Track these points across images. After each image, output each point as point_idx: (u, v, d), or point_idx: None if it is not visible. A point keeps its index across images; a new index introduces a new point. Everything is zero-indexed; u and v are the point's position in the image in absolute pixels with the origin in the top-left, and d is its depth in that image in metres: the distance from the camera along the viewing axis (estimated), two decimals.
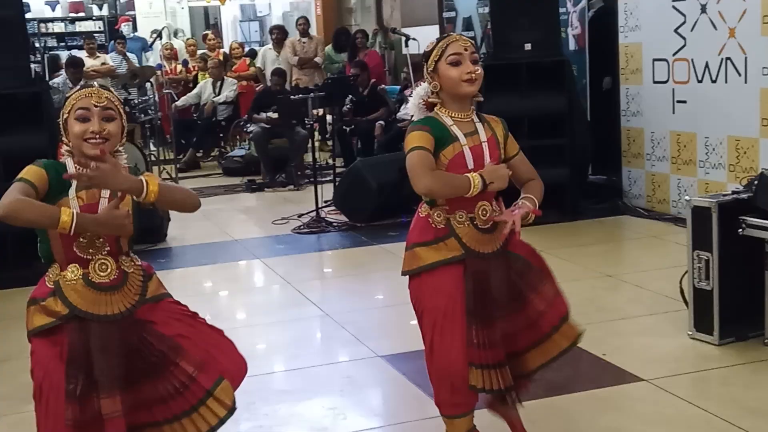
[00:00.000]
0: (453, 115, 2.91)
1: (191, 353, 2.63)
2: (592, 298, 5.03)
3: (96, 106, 2.56)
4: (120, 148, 2.63)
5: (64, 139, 2.62)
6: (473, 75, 2.86)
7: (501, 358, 2.90)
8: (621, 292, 5.26)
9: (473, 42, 2.94)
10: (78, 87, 2.65)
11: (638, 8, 7.14)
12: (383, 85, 10.80)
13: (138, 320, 2.61)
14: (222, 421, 2.68)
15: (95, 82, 11.06)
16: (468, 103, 2.94)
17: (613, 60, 7.47)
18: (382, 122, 9.70)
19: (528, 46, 7.05)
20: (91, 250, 2.56)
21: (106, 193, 2.57)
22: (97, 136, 2.54)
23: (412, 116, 3.02)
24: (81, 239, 2.54)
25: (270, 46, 12.04)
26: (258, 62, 12.10)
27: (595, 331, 4.42)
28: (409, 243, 2.98)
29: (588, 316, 4.58)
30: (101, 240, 2.56)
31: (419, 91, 2.99)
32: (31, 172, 2.52)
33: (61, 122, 2.61)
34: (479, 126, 2.94)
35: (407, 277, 3.00)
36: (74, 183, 2.54)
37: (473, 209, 2.89)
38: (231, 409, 2.70)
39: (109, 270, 2.58)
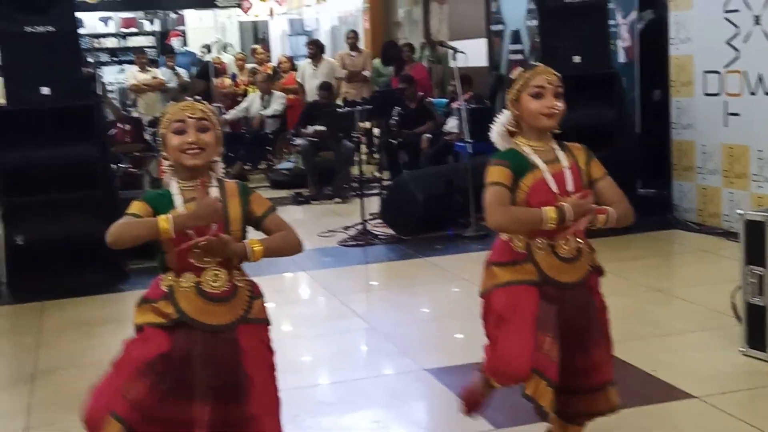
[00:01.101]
0: (532, 144, 2.90)
1: (249, 402, 2.64)
2: (642, 312, 4.96)
3: (191, 118, 2.62)
4: (217, 158, 2.70)
5: (164, 154, 2.69)
6: (554, 110, 2.85)
7: (570, 386, 2.86)
8: (671, 307, 5.17)
9: (559, 77, 2.91)
10: (171, 101, 2.72)
11: (689, 20, 7.05)
12: (430, 99, 10.79)
13: (236, 340, 2.64)
14: None
15: (140, 106, 11.24)
16: (548, 133, 2.92)
17: (664, 72, 7.38)
18: (428, 135, 9.70)
19: (577, 59, 7.00)
20: (205, 259, 2.62)
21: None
22: (194, 146, 2.61)
23: (494, 144, 2.99)
24: (196, 248, 2.59)
25: (308, 61, 12.11)
26: (297, 77, 12.16)
27: (644, 346, 4.36)
28: (488, 262, 2.97)
29: (637, 331, 4.52)
30: None
31: (501, 119, 2.98)
32: (135, 207, 2.63)
33: (160, 138, 2.69)
34: (560, 154, 2.91)
35: (479, 295, 2.97)
36: (180, 198, 2.63)
37: (554, 237, 2.85)
38: None
39: (221, 281, 2.64)
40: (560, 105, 2.87)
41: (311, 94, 11.58)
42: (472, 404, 3.19)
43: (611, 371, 2.96)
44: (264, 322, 2.75)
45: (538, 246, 2.86)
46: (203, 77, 12.52)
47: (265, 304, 2.77)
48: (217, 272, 2.64)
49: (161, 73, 12.49)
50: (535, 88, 2.86)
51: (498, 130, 2.98)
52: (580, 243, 2.89)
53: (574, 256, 2.88)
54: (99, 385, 2.66)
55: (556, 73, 2.92)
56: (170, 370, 2.58)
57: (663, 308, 5.16)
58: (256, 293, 2.74)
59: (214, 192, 2.66)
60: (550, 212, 2.77)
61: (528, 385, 2.82)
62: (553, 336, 2.82)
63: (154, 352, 2.59)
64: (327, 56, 12.43)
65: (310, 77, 11.74)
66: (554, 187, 2.84)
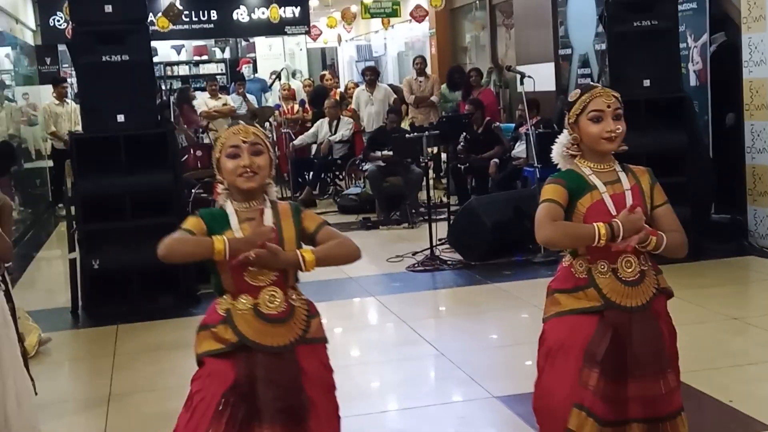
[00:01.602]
0: (592, 165, 2.87)
1: (314, 422, 2.65)
2: (718, 341, 4.85)
3: (245, 142, 2.67)
4: (270, 180, 2.74)
5: (218, 178, 2.74)
6: (613, 134, 2.81)
7: (627, 416, 2.77)
8: (748, 336, 5.05)
9: (618, 97, 2.86)
10: (226, 126, 2.77)
11: (763, 42, 6.92)
12: (498, 123, 10.77)
13: (296, 360, 2.66)
14: None
15: (211, 133, 11.45)
16: (610, 155, 2.89)
17: (737, 96, 7.26)
18: (496, 160, 9.67)
19: (647, 83, 6.93)
20: (260, 277, 2.65)
21: (269, 221, 2.67)
22: (249, 170, 2.64)
23: (557, 165, 2.97)
24: (251, 268, 2.62)
25: (363, 87, 12.20)
26: (353, 104, 12.27)
27: (721, 376, 4.27)
28: (550, 289, 2.94)
29: (714, 360, 4.42)
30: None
31: (562, 140, 2.94)
32: (190, 222, 2.67)
33: (214, 163, 2.74)
34: (622, 175, 2.87)
35: (542, 321, 2.94)
36: (235, 218, 2.67)
37: (615, 261, 2.81)
38: None
39: (278, 302, 2.66)
40: (620, 128, 2.83)
41: (366, 121, 11.69)
42: None
43: (680, 399, 2.87)
44: (322, 341, 2.77)
45: (599, 270, 2.82)
46: (320, 98, 12.55)
47: (322, 323, 2.78)
48: (273, 292, 2.65)
49: (231, 100, 12.70)
50: (594, 113, 2.82)
51: (558, 150, 2.95)
52: (644, 265, 2.84)
53: (637, 279, 2.82)
54: (179, 429, 2.66)
55: (615, 94, 2.86)
56: (240, 399, 2.59)
57: (739, 337, 5.04)
58: (312, 312, 2.76)
59: (269, 214, 2.68)
60: (600, 228, 2.73)
61: (570, 420, 2.77)
62: (602, 370, 2.76)
63: (223, 387, 2.60)
64: (383, 83, 12.52)
65: (365, 104, 11.86)
66: (613, 210, 2.79)
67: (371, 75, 12.16)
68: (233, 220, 2.66)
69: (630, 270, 2.82)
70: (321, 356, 2.75)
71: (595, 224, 2.75)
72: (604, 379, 2.76)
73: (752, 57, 7.05)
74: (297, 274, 2.74)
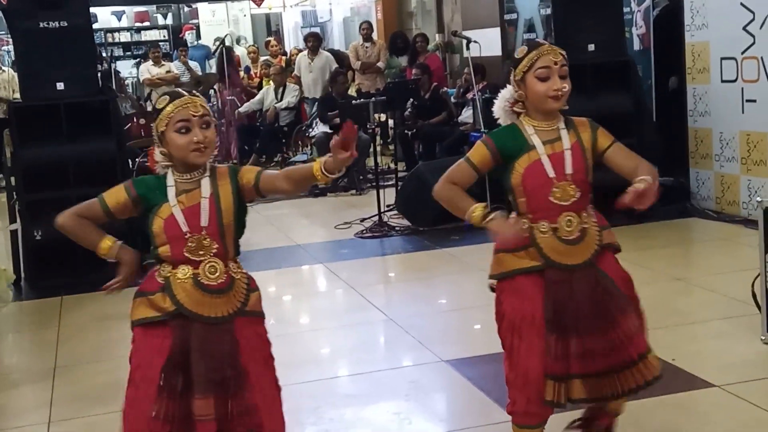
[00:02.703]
0: (536, 124, 2.88)
1: (249, 393, 2.64)
2: (662, 301, 4.93)
3: (194, 116, 2.61)
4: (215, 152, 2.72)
5: (160, 148, 2.66)
6: (560, 93, 2.82)
7: (571, 371, 2.82)
8: (691, 296, 5.15)
9: (564, 55, 2.86)
10: (169, 97, 2.67)
11: (705, 6, 7.00)
12: (445, 89, 10.76)
13: (233, 332, 2.64)
14: None
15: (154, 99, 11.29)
16: (555, 113, 2.90)
17: (679, 59, 7.34)
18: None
19: (592, 47, 6.97)
20: (201, 252, 2.62)
21: (206, 192, 2.64)
22: (202, 145, 2.60)
23: (497, 119, 2.99)
24: (189, 243, 2.60)
25: (306, 53, 12.10)
26: (295, 70, 12.16)
27: (665, 335, 4.34)
28: (495, 248, 2.96)
29: (658, 320, 4.49)
30: (208, 239, 2.62)
31: (504, 94, 2.95)
32: (113, 196, 2.68)
33: (156, 135, 2.66)
34: (563, 133, 2.88)
35: (488, 278, 2.97)
36: (173, 190, 2.63)
37: (556, 219, 2.84)
38: None
39: (218, 273, 2.63)
40: (566, 86, 2.84)
41: (306, 88, 11.62)
42: None
43: (644, 341, 2.90)
44: (260, 316, 2.75)
45: (540, 229, 2.85)
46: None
47: (260, 298, 2.76)
48: (214, 263, 2.63)
49: (175, 67, 12.52)
50: (542, 69, 2.82)
51: (501, 105, 2.96)
52: (586, 223, 2.87)
53: (578, 237, 2.85)
54: (126, 409, 2.65)
55: (562, 52, 2.87)
56: (176, 370, 2.58)
57: (683, 297, 5.14)
58: (252, 286, 2.74)
59: (206, 184, 2.64)
60: (476, 210, 2.80)
61: (546, 393, 2.82)
62: (559, 333, 2.80)
63: (161, 360, 2.58)
64: (325, 50, 12.47)
65: (305, 70, 11.76)
66: (550, 171, 2.82)
67: (314, 41, 12.05)
68: (171, 192, 2.62)
69: (570, 229, 2.85)
70: (258, 329, 2.73)
71: (474, 206, 2.82)
72: (558, 340, 2.80)
73: (694, 21, 7.12)
74: (238, 247, 2.71)
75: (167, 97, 2.67)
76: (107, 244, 2.70)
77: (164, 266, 2.66)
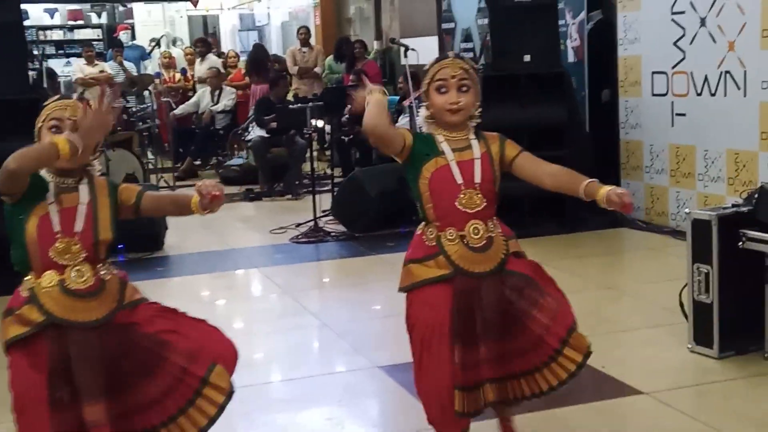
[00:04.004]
0: (446, 134, 2.92)
1: (179, 346, 2.61)
2: (592, 309, 5.01)
3: (70, 119, 2.58)
4: (95, 162, 2.68)
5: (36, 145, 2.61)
6: (455, 106, 2.85)
7: (485, 377, 2.84)
8: (621, 304, 5.25)
9: (469, 67, 2.89)
10: (56, 97, 2.69)
11: (637, 21, 7.15)
12: None
13: (118, 325, 2.59)
14: (221, 408, 2.66)
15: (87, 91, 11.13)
16: (463, 126, 2.92)
17: (612, 72, 7.48)
18: (349, 106, 9.58)
19: (527, 58, 7.05)
20: (67, 256, 2.55)
21: (84, 198, 2.59)
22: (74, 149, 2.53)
23: (420, 128, 3.02)
24: (57, 244, 2.54)
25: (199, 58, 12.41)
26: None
27: (594, 342, 4.37)
28: (405, 259, 2.99)
29: (588, 327, 4.53)
30: (78, 245, 2.56)
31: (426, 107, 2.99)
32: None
33: (35, 131, 2.64)
34: (474, 143, 2.92)
35: (398, 291, 3.01)
36: (51, 188, 2.58)
37: (463, 227, 2.87)
38: (229, 393, 2.69)
39: (85, 277, 2.57)
40: (464, 100, 2.86)
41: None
42: None
43: (569, 318, 2.91)
44: (142, 301, 2.70)
45: (448, 237, 2.88)
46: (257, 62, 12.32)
47: (135, 287, 2.71)
48: (79, 268, 2.56)
49: (109, 67, 12.33)
50: (438, 82, 2.87)
51: (423, 116, 3.00)
52: (492, 231, 2.90)
53: (485, 245, 2.88)
54: None
55: (464, 65, 2.89)
56: (61, 383, 2.51)
57: (613, 305, 5.23)
58: (124, 282, 2.69)
59: (84, 191, 2.61)
60: (61, 142, 2.65)
61: (456, 403, 2.84)
62: (462, 342, 2.82)
63: (43, 378, 2.50)
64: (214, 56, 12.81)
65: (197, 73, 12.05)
66: (458, 177, 2.86)
67: (201, 46, 12.15)
68: (51, 190, 2.58)
69: (477, 236, 2.88)
70: (142, 306, 2.68)
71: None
72: (464, 350, 2.82)
73: (627, 35, 7.27)
74: (109, 252, 2.66)
75: (54, 98, 2.67)
76: (66, 146, 2.47)
77: (28, 278, 2.58)
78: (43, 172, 2.60)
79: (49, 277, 2.54)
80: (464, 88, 2.86)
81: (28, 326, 2.53)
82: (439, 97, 2.86)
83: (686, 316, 4.28)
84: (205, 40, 13.22)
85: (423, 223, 2.96)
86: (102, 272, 2.61)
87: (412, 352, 2.96)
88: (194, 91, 12.27)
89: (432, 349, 2.86)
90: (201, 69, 11.99)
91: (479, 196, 2.87)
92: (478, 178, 2.87)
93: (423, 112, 2.99)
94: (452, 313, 2.84)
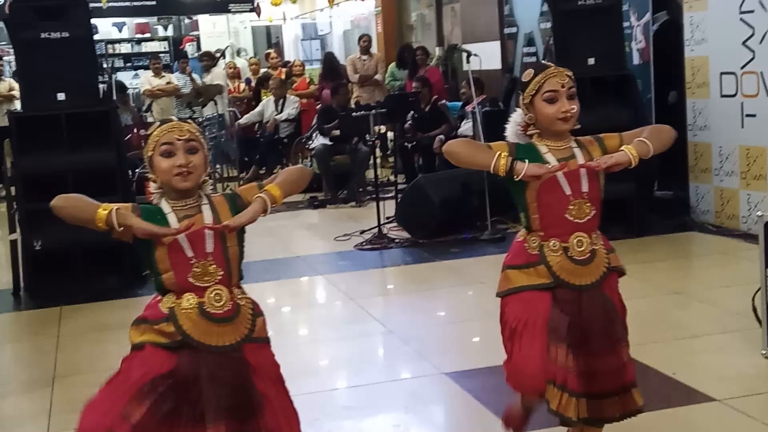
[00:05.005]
0: (549, 144, 2.89)
1: (267, 417, 2.61)
2: (662, 315, 4.94)
3: (179, 140, 2.58)
4: (206, 177, 2.66)
5: (151, 176, 2.64)
6: (568, 114, 2.83)
7: (571, 388, 2.81)
8: (691, 310, 5.15)
9: (571, 76, 2.88)
10: (158, 123, 2.68)
11: (704, 21, 7.02)
12: (444, 101, 10.78)
13: (244, 358, 2.61)
14: None
15: (154, 111, 11.34)
16: (566, 133, 2.91)
17: (679, 74, 7.36)
18: (442, 136, 9.66)
19: (591, 61, 6.98)
20: (206, 278, 2.56)
21: (209, 219, 2.59)
22: (185, 169, 2.56)
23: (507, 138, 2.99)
24: (195, 268, 2.55)
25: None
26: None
27: (665, 349, 4.35)
28: (503, 265, 2.97)
29: (657, 333, 4.51)
30: (213, 265, 2.57)
31: (515, 118, 2.96)
32: (123, 205, 2.57)
33: (146, 160, 2.64)
34: (577, 151, 2.89)
35: (496, 296, 2.97)
36: (174, 217, 2.57)
37: (568, 239, 2.85)
38: None
39: (223, 301, 2.58)
40: (575, 107, 2.85)
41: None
42: (513, 425, 3.17)
43: (633, 372, 2.94)
44: (266, 341, 2.71)
45: (551, 248, 2.86)
46: (332, 70, 12.46)
47: (265, 322, 2.72)
48: (218, 291, 2.57)
49: (175, 78, 12.53)
50: (549, 93, 2.84)
51: (513, 129, 2.97)
52: (596, 244, 2.88)
53: (588, 258, 2.86)
54: (95, 402, 2.60)
55: (569, 73, 2.88)
56: (173, 392, 2.52)
57: (683, 311, 5.14)
58: (257, 311, 2.69)
59: (207, 212, 2.60)
60: (502, 157, 2.79)
61: (551, 401, 2.82)
62: (568, 345, 2.80)
63: (156, 371, 2.53)
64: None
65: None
66: (567, 188, 2.83)
67: (207, 60, 12.29)
68: (171, 218, 2.57)
69: (581, 249, 2.85)
70: (266, 353, 2.70)
71: (497, 154, 2.80)
72: (572, 353, 2.80)
73: (693, 35, 7.14)
74: (241, 272, 2.67)
75: (158, 123, 2.66)
76: (103, 214, 2.51)
77: (167, 297, 2.60)
78: (163, 203, 2.60)
79: (189, 299, 2.56)
80: (573, 96, 2.86)
81: (165, 339, 2.56)
82: (549, 108, 2.84)
83: (760, 321, 4.18)
84: (210, 53, 13.39)
85: (524, 230, 2.94)
86: (238, 296, 2.64)
87: (505, 347, 2.94)
88: (258, 100, 12.41)
89: (524, 340, 2.84)
90: (207, 81, 12.13)
91: (588, 205, 2.85)
92: (585, 188, 2.84)
93: (513, 126, 2.95)
94: (552, 314, 2.82)
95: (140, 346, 2.59)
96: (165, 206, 2.60)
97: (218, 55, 13.38)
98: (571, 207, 2.84)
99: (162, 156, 2.57)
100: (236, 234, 2.62)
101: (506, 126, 3.01)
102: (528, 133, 2.93)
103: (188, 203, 2.61)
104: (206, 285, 2.57)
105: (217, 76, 12.25)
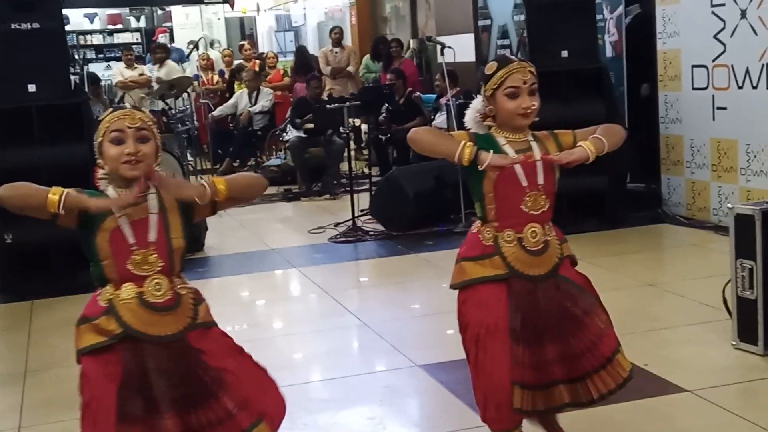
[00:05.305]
0: (507, 135, 2.91)
1: (234, 389, 2.60)
2: (634, 307, 4.97)
3: (130, 128, 2.55)
4: (156, 166, 2.63)
5: (99, 162, 2.61)
6: (528, 110, 2.86)
7: (550, 379, 2.85)
8: (663, 302, 5.20)
9: (534, 72, 2.90)
10: (111, 109, 2.66)
11: (676, 14, 7.07)
12: (419, 94, 10.79)
13: (188, 346, 2.59)
14: None
15: (127, 102, 11.24)
16: (524, 127, 2.93)
17: (651, 67, 7.41)
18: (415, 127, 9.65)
19: (565, 54, 7.01)
20: (145, 267, 2.55)
21: (154, 208, 2.57)
22: (133, 157, 2.53)
23: (469, 129, 3.01)
24: (134, 256, 2.53)
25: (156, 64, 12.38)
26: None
27: (637, 340, 4.38)
28: (458, 257, 2.99)
29: (630, 325, 4.53)
30: (154, 255, 2.55)
31: (476, 105, 2.98)
32: (70, 189, 2.51)
33: (96, 145, 2.61)
34: (534, 144, 2.92)
35: (449, 288, 3.00)
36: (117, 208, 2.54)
37: (522, 230, 2.88)
38: None
39: (163, 290, 2.56)
40: (535, 104, 2.88)
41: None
42: None
43: (613, 338, 2.95)
44: (211, 325, 2.69)
45: (505, 239, 2.88)
46: (304, 64, 12.33)
47: (208, 307, 2.70)
48: (158, 281, 2.55)
49: (148, 70, 12.44)
50: (510, 89, 2.86)
51: (472, 116, 2.99)
52: (548, 235, 2.91)
53: (542, 249, 2.89)
54: None
55: (531, 69, 2.90)
56: (133, 392, 2.50)
57: (655, 302, 5.18)
58: (198, 299, 2.67)
59: (152, 199, 2.58)
60: (466, 149, 2.81)
61: (515, 400, 2.84)
62: (525, 342, 2.83)
63: (114, 386, 2.50)
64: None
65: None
66: (523, 179, 2.86)
67: (160, 53, 12.11)
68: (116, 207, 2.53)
69: (535, 240, 2.89)
70: (213, 333, 2.68)
71: (462, 143, 2.82)
72: (528, 349, 2.82)
73: (666, 29, 7.19)
74: (182, 262, 2.65)
75: (111, 110, 2.64)
76: (54, 198, 2.45)
77: (106, 289, 2.57)
78: (110, 190, 2.57)
79: (128, 290, 2.54)
80: (534, 92, 2.88)
81: (105, 336, 2.53)
82: (510, 102, 2.86)
83: (730, 313, 4.23)
84: (164, 45, 13.20)
85: (479, 221, 2.96)
86: (178, 286, 2.62)
87: (466, 351, 2.96)
88: (232, 92, 12.35)
89: (488, 347, 2.86)
90: (160, 74, 11.88)
91: (543, 197, 2.89)
92: (541, 180, 2.87)
93: (473, 113, 2.97)
94: (509, 312, 2.85)
95: (83, 357, 2.56)
96: (110, 193, 2.58)
97: (191, 47, 13.30)
98: (527, 198, 2.87)
99: (111, 143, 2.55)
100: (181, 227, 2.60)
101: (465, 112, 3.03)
102: (485, 123, 2.94)
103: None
104: (145, 274, 2.55)
105: (172, 69, 12.04)
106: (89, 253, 2.57)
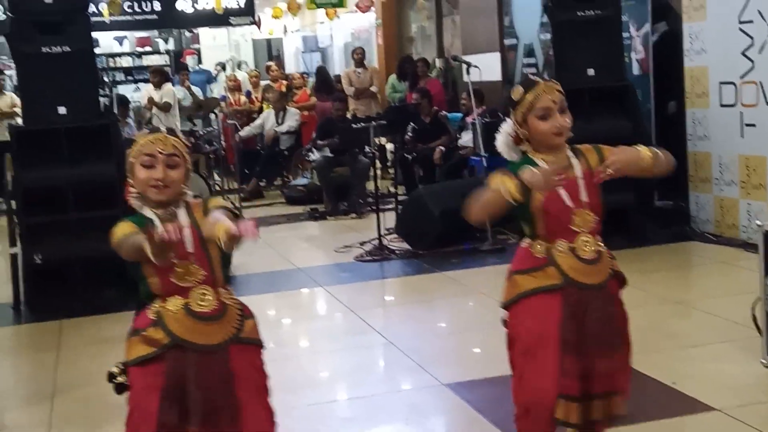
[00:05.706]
0: (545, 157, 2.88)
1: (240, 425, 2.62)
2: (662, 324, 4.93)
3: (161, 153, 2.61)
4: (185, 191, 2.68)
5: (130, 180, 2.67)
6: (562, 128, 2.85)
7: (590, 392, 2.82)
8: (691, 319, 5.15)
9: (561, 90, 2.88)
10: (147, 131, 2.72)
11: (703, 31, 7.03)
12: (444, 112, 10.80)
13: (227, 361, 2.62)
14: None
15: (161, 126, 11.33)
16: (562, 145, 2.91)
17: (678, 84, 7.37)
18: (442, 148, 9.67)
19: (591, 71, 6.99)
20: (188, 277, 2.60)
21: (185, 222, 2.62)
22: (161, 183, 2.59)
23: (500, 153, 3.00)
24: (177, 268, 2.58)
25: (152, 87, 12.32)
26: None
27: (664, 358, 4.34)
28: (509, 272, 2.95)
29: (657, 343, 4.50)
30: (195, 266, 2.60)
31: (506, 129, 2.96)
32: (124, 227, 2.57)
33: (128, 166, 2.67)
34: (574, 161, 2.90)
35: (500, 307, 2.96)
36: (158, 221, 2.59)
37: (574, 240, 2.86)
38: None
39: (209, 300, 2.61)
40: (568, 120, 2.87)
41: (155, 118, 11.75)
42: None
43: (626, 382, 2.93)
44: (257, 344, 2.72)
45: (558, 249, 2.86)
46: (324, 83, 12.39)
47: (257, 326, 2.73)
48: (203, 291, 2.61)
49: (175, 91, 12.55)
50: (542, 110, 2.85)
51: (504, 140, 2.97)
52: (600, 246, 2.89)
53: (595, 258, 2.87)
54: None
55: (557, 88, 2.88)
56: (172, 402, 2.55)
57: (683, 320, 5.13)
58: (246, 313, 2.71)
59: (182, 214, 2.63)
60: (507, 183, 2.75)
61: (558, 411, 2.81)
62: (575, 353, 2.80)
63: (156, 397, 2.56)
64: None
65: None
66: (567, 200, 2.83)
67: (159, 77, 12.11)
68: (156, 222, 2.60)
69: (588, 249, 2.86)
70: (254, 359, 2.71)
71: (499, 180, 2.78)
72: (573, 356, 2.80)
73: (693, 46, 7.16)
74: (228, 276, 2.70)
75: (147, 132, 2.70)
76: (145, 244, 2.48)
77: (155, 303, 2.63)
78: (146, 210, 2.63)
79: (175, 301, 2.60)
80: (564, 110, 2.87)
81: (153, 347, 2.59)
82: (542, 124, 2.84)
83: (760, 331, 4.18)
84: (162, 70, 13.20)
85: (528, 236, 2.94)
86: (224, 296, 2.66)
87: (512, 365, 2.93)
88: (259, 113, 12.43)
89: (537, 358, 2.83)
90: (158, 97, 11.86)
91: (590, 214, 2.87)
92: (584, 197, 2.85)
93: (505, 137, 2.95)
94: (562, 320, 2.82)
95: (132, 367, 2.62)
96: (146, 212, 2.64)
97: (219, 68, 13.41)
98: (575, 217, 2.85)
99: (142, 166, 2.62)
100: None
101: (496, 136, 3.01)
102: (521, 148, 2.93)
103: (167, 210, 2.64)
104: (189, 285, 2.60)
105: (167, 93, 12.07)
106: (134, 272, 2.63)
